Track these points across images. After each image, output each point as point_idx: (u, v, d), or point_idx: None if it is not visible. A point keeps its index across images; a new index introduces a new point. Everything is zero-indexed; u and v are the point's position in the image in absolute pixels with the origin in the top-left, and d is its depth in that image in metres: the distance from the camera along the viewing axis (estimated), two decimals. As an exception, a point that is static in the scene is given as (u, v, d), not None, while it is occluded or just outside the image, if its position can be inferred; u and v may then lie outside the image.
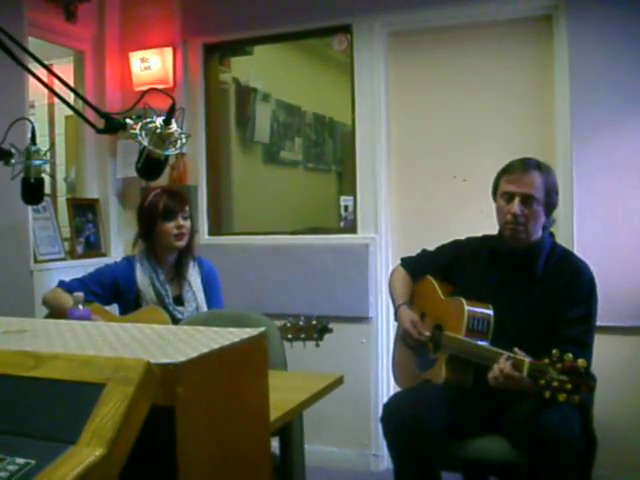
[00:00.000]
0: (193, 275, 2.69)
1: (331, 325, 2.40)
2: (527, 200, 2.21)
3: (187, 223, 2.65)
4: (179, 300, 2.64)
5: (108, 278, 2.62)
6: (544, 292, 2.24)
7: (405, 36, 3.40)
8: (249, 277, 3.50)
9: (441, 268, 2.48)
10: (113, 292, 2.63)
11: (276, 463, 1.95)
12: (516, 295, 2.27)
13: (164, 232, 2.61)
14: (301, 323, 2.42)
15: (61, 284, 2.58)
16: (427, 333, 2.36)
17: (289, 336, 2.40)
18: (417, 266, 2.56)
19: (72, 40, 3.66)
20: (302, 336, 2.42)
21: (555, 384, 1.86)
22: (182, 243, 2.64)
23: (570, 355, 1.88)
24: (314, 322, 2.44)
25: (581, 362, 1.86)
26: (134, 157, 1.48)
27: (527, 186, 2.21)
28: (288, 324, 2.43)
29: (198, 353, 0.97)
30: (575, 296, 2.21)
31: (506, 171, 2.29)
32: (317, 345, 2.44)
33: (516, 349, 2.04)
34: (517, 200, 2.22)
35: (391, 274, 2.66)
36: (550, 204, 2.26)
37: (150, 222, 2.63)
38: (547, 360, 1.90)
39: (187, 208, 2.66)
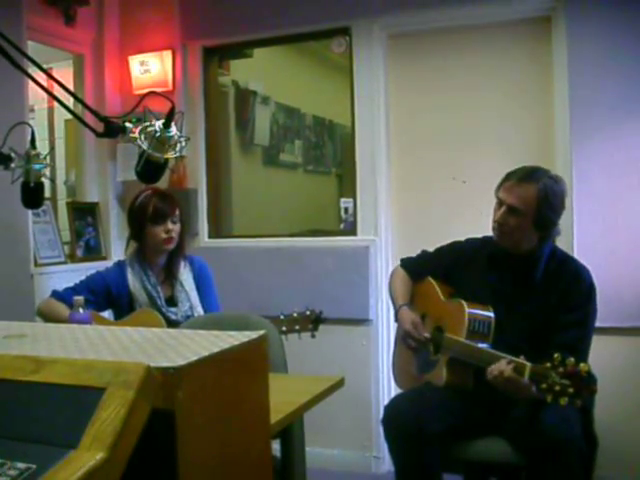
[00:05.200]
0: (184, 274, 2.69)
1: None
2: (512, 211, 2.19)
3: (176, 227, 2.63)
4: (172, 301, 2.64)
5: (99, 284, 2.62)
6: (543, 297, 2.23)
7: (404, 38, 3.40)
8: (249, 280, 3.50)
9: (441, 269, 2.48)
10: (105, 298, 2.62)
11: (277, 466, 1.95)
12: (514, 299, 2.26)
13: (153, 235, 2.60)
14: (295, 315, 2.42)
15: (54, 294, 2.58)
16: (427, 334, 2.36)
17: (283, 328, 2.41)
18: (417, 267, 2.56)
19: (71, 44, 3.66)
20: (296, 327, 2.42)
21: (557, 388, 1.85)
22: (170, 247, 2.63)
23: (572, 359, 1.86)
24: (307, 313, 2.45)
25: (583, 366, 1.84)
26: (134, 160, 1.48)
27: (515, 198, 2.18)
28: (282, 316, 2.43)
29: (198, 357, 0.97)
30: (573, 301, 2.20)
31: (508, 176, 2.26)
32: (313, 336, 2.44)
33: (522, 357, 2.02)
34: (503, 209, 2.21)
35: (391, 275, 2.66)
36: (541, 219, 2.19)
37: (139, 225, 2.62)
38: (549, 364, 1.89)
39: (177, 212, 2.64)
